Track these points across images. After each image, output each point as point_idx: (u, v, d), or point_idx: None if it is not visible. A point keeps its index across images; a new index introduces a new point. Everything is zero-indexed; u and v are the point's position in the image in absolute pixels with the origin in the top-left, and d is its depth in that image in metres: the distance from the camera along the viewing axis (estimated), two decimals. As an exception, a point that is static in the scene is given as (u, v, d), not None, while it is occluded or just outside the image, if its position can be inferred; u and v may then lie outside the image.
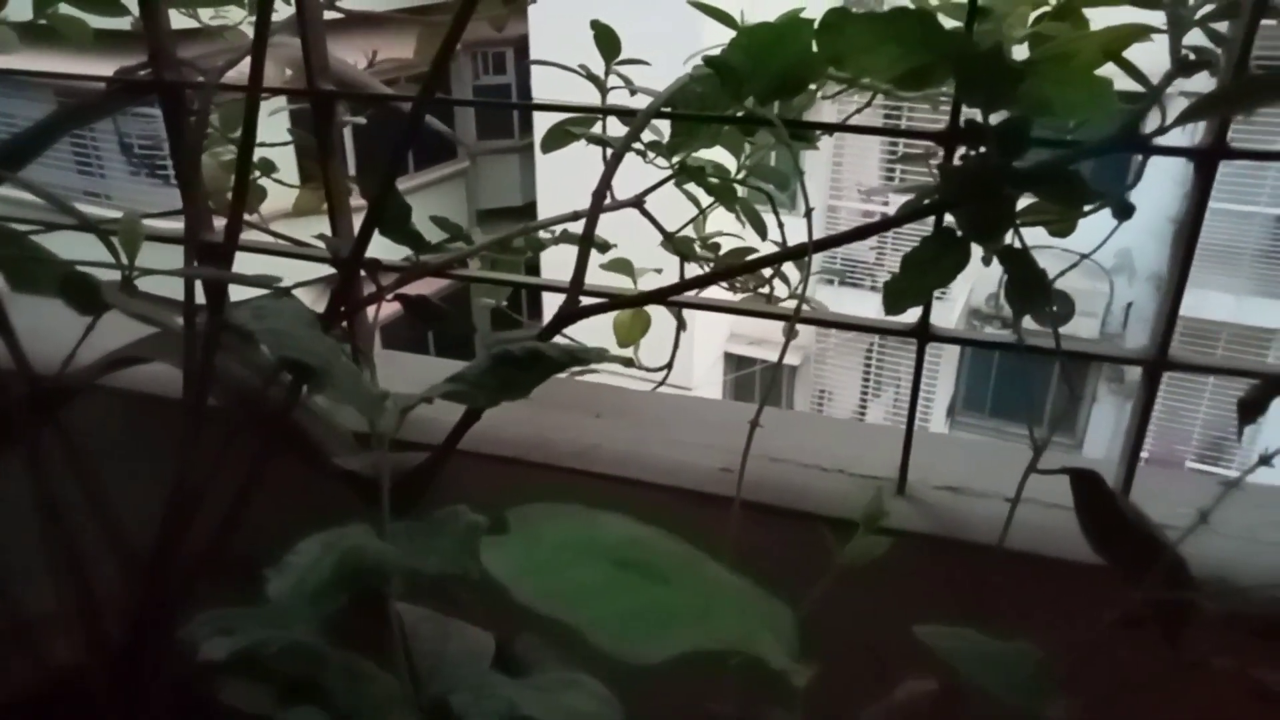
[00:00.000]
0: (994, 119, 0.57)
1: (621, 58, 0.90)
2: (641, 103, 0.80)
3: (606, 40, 0.88)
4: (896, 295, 0.61)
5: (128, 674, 0.69)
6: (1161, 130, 0.55)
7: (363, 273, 0.81)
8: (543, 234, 0.99)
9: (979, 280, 7.57)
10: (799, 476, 0.79)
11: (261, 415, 0.73)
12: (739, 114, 0.69)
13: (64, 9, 0.94)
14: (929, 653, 0.47)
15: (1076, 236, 0.71)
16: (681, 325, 1.08)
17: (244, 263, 0.78)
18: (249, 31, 1.08)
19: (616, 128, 0.90)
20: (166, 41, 0.80)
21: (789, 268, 1.00)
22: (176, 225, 0.89)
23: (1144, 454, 0.73)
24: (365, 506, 0.70)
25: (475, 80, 9.77)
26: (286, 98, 1.07)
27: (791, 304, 1.06)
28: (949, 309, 7.78)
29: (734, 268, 0.78)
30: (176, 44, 0.83)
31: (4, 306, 0.72)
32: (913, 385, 0.75)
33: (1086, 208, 0.63)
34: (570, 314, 0.65)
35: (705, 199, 0.99)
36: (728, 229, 1.07)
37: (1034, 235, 0.65)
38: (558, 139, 0.92)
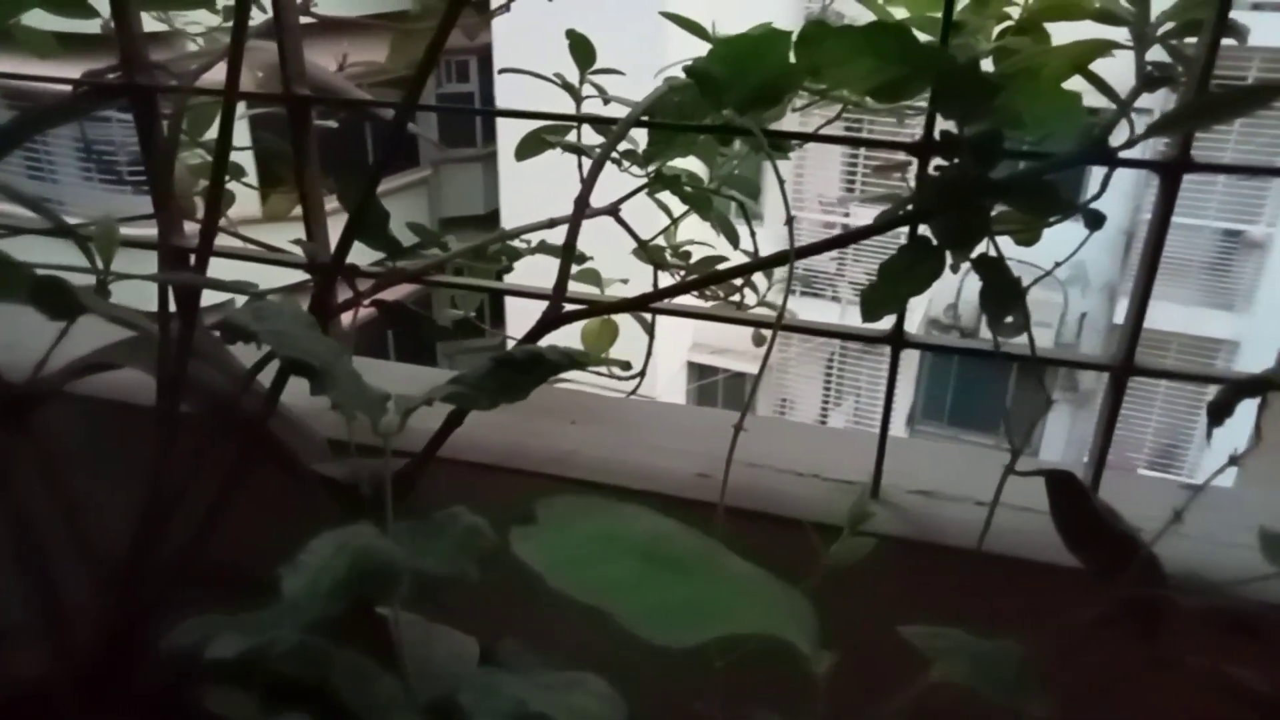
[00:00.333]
0: (969, 130, 0.58)
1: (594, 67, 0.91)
2: (615, 111, 0.81)
3: (582, 49, 0.89)
4: (873, 303, 0.62)
5: (98, 685, 0.67)
6: (1130, 143, 0.57)
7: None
8: (517, 242, 0.99)
9: (937, 292, 7.69)
10: (775, 481, 0.80)
11: (236, 422, 0.72)
12: (720, 123, 0.70)
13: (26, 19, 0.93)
14: (909, 655, 0.48)
15: (1030, 248, 0.73)
16: (651, 334, 1.09)
17: (215, 268, 0.77)
18: (217, 37, 1.07)
19: (590, 136, 0.91)
20: (139, 44, 0.79)
21: (758, 276, 1.01)
22: (140, 231, 0.88)
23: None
24: (342, 514, 0.69)
25: (439, 88, 9.76)
26: (246, 102, 1.06)
27: (761, 311, 1.08)
28: (908, 319, 7.89)
29: (718, 274, 0.79)
30: (148, 47, 0.82)
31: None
32: (886, 391, 0.77)
33: (1051, 218, 0.65)
34: (555, 319, 0.65)
35: (677, 208, 1.00)
36: (695, 238, 1.09)
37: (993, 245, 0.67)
38: (533, 146, 0.92)
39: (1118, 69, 0.66)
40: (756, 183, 0.99)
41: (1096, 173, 0.64)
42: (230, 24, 1.00)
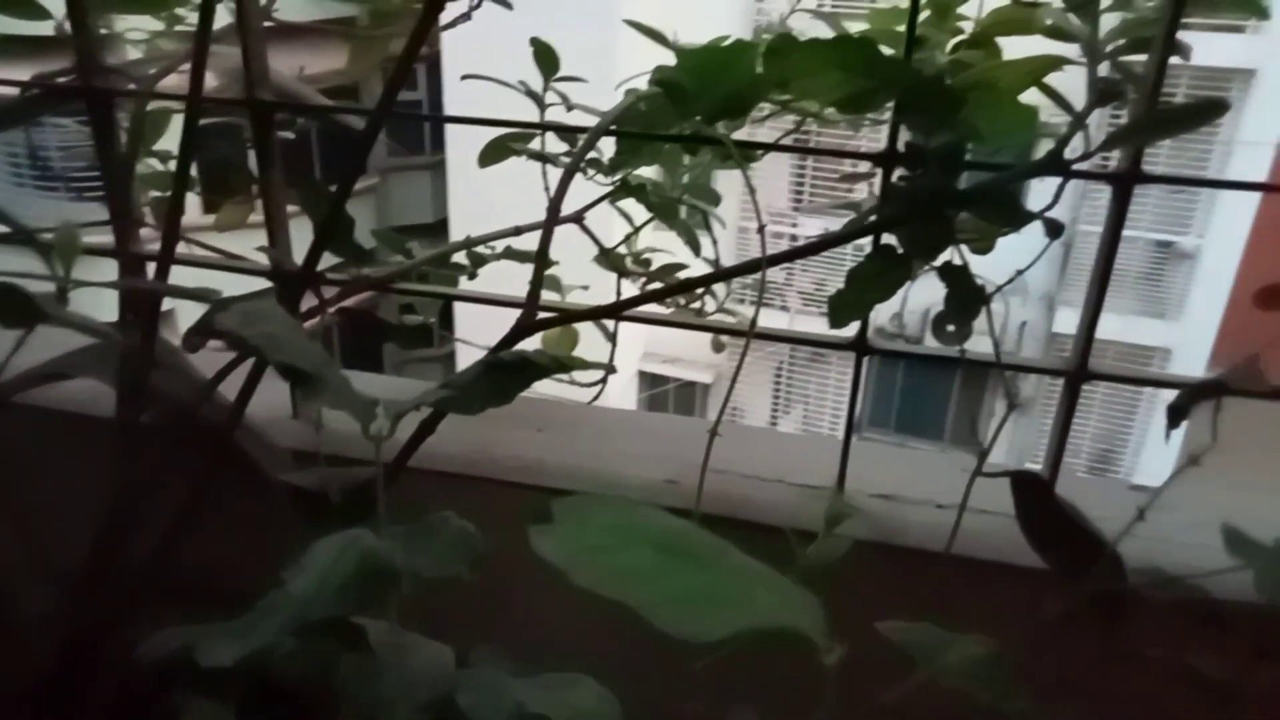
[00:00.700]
0: (934, 142, 0.60)
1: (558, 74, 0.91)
2: (578, 119, 0.81)
3: (546, 58, 0.90)
4: (841, 309, 0.63)
5: (54, 697, 0.66)
6: (1086, 156, 0.59)
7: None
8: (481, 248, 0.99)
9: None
10: (741, 487, 0.81)
11: (199, 432, 0.71)
12: (689, 133, 0.71)
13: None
14: (877, 656, 0.49)
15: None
16: (613, 341, 1.10)
17: (175, 275, 0.76)
18: (159, 44, 1.05)
19: (552, 144, 0.91)
20: (95, 47, 0.78)
21: (717, 284, 1.02)
22: (93, 239, 0.86)
23: (1035, 464, 0.77)
24: (306, 524, 0.69)
25: (385, 95, 9.63)
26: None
27: (720, 318, 1.09)
28: (852, 327, 7.99)
29: (688, 282, 0.80)
30: (104, 50, 0.81)
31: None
32: (850, 397, 0.78)
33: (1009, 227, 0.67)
34: (529, 326, 0.65)
35: (639, 216, 1.01)
36: (654, 246, 1.10)
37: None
38: (497, 154, 0.93)
39: (1068, 83, 0.69)
40: (716, 191, 1.00)
41: (1038, 184, 0.66)
42: (177, 29, 0.99)
